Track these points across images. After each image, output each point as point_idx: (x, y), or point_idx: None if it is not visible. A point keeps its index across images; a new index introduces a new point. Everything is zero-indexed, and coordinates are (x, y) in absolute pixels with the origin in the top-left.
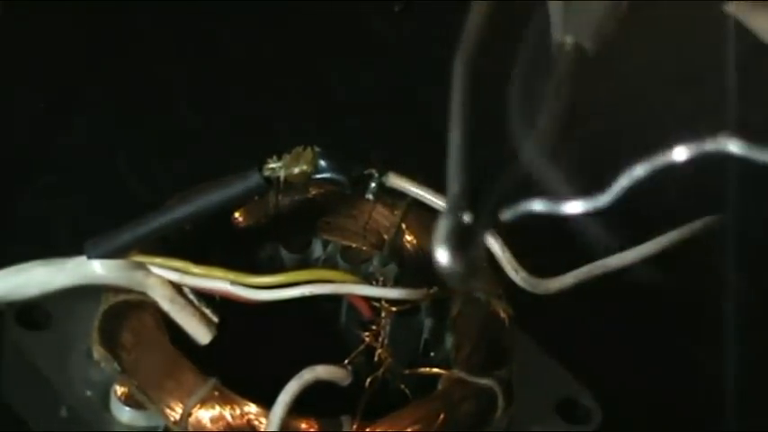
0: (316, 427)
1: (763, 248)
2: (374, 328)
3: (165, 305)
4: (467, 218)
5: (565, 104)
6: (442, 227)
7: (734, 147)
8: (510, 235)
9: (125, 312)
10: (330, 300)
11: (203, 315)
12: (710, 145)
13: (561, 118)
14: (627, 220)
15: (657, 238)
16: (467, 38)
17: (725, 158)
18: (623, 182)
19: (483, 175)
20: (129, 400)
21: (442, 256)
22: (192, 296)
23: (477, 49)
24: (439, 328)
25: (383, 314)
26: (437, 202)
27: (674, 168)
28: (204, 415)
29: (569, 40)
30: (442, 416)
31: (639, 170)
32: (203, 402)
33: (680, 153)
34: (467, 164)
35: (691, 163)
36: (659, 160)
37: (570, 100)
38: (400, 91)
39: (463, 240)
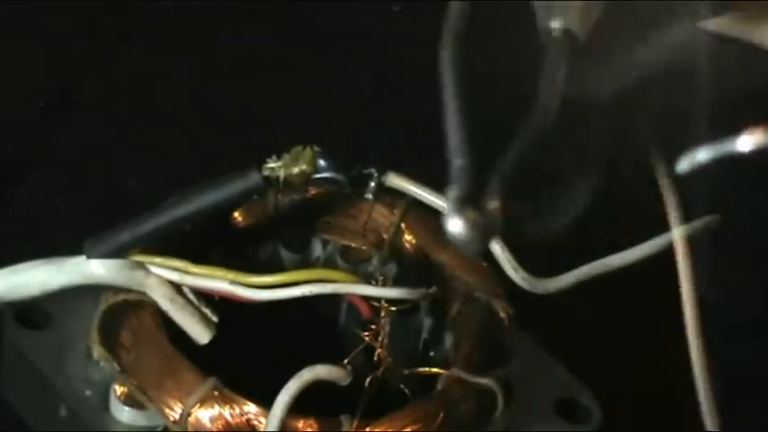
0: (315, 426)
1: (763, 248)
2: (374, 327)
3: (165, 305)
4: (473, 185)
5: (560, 90)
6: (451, 196)
7: None
8: (509, 235)
9: (124, 312)
10: (330, 299)
11: (203, 315)
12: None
13: (558, 104)
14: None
15: (656, 238)
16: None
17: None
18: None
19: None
20: (128, 400)
21: (454, 225)
22: (191, 296)
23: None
24: (438, 328)
25: (383, 314)
26: (436, 201)
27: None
28: (204, 414)
29: (556, 25)
30: (441, 415)
31: (702, 154)
32: (203, 402)
33: (744, 142)
34: (467, 136)
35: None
36: (724, 146)
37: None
38: (400, 91)
39: (473, 206)
